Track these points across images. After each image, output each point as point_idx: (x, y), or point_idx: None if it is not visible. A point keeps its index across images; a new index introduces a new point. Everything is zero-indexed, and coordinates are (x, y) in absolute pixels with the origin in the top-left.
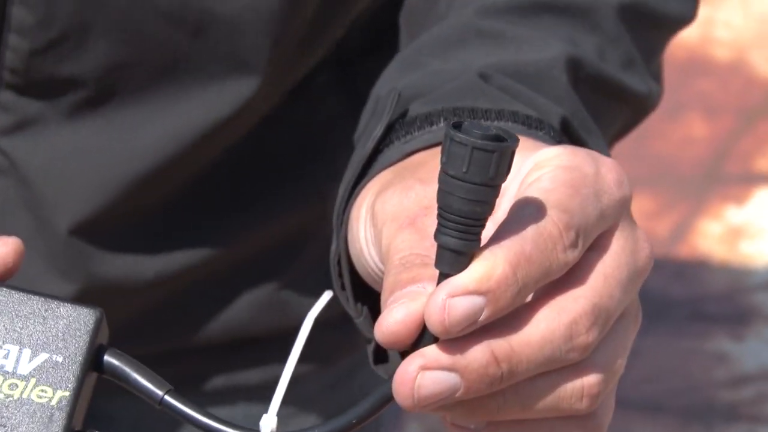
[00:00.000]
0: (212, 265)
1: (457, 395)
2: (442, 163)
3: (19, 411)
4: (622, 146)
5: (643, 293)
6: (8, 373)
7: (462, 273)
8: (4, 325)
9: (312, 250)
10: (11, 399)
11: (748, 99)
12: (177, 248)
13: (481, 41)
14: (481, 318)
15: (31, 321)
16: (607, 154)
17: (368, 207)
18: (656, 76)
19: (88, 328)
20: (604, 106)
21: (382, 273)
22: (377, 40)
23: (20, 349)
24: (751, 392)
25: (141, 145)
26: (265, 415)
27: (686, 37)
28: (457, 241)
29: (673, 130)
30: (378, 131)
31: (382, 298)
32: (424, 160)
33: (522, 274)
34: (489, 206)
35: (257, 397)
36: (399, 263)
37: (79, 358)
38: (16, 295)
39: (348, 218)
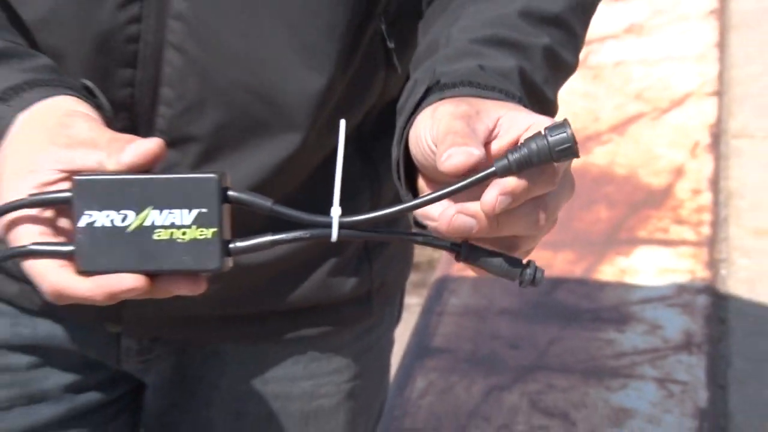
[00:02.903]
0: (299, 255)
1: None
2: None
3: (191, 246)
4: (558, 221)
5: (563, 306)
6: (179, 226)
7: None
8: (165, 199)
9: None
10: (183, 240)
11: (634, 197)
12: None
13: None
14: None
15: (179, 192)
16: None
17: (430, 112)
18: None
19: (215, 187)
20: (536, 107)
21: (432, 151)
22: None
23: (180, 210)
24: (626, 361)
25: (236, 179)
26: (333, 207)
27: (596, 163)
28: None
29: (587, 215)
30: (421, 89)
31: (439, 146)
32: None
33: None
34: None
35: (312, 345)
36: (454, 131)
37: (216, 206)
38: (161, 179)
39: (411, 128)
